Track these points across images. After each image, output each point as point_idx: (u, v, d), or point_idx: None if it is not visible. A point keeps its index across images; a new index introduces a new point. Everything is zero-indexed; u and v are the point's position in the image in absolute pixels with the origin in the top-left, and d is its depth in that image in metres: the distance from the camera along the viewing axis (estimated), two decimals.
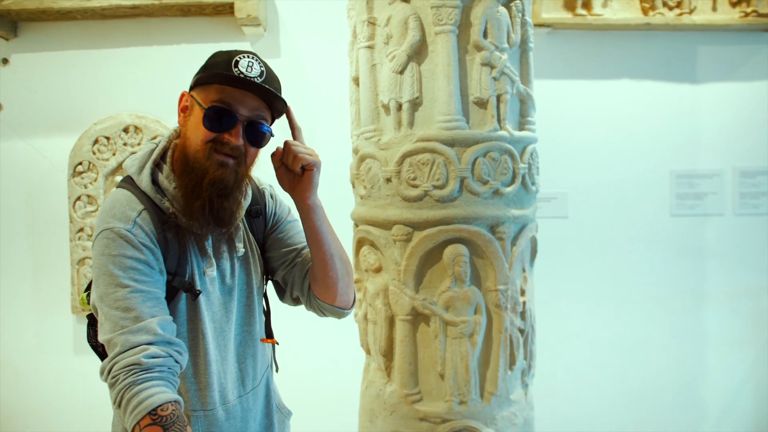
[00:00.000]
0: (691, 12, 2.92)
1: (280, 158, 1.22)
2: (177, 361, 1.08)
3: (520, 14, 1.86)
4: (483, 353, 1.86)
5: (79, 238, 2.93)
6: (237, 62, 1.14)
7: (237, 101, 1.14)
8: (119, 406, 1.02)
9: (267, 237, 1.39)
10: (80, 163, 2.93)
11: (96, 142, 2.92)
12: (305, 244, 1.35)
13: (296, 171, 1.20)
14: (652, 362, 3.06)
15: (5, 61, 2.96)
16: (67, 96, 2.95)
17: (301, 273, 1.36)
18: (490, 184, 1.78)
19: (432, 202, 1.78)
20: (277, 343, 1.44)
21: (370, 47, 1.89)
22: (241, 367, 1.31)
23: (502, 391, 1.86)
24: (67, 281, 2.95)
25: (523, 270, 1.94)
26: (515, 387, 1.92)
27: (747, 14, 2.92)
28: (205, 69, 1.19)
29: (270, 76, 1.18)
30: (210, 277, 1.23)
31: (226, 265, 1.26)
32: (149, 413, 0.98)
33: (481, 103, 1.79)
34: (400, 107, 1.81)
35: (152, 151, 1.23)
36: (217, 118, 1.14)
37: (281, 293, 1.45)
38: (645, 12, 2.92)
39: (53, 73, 2.95)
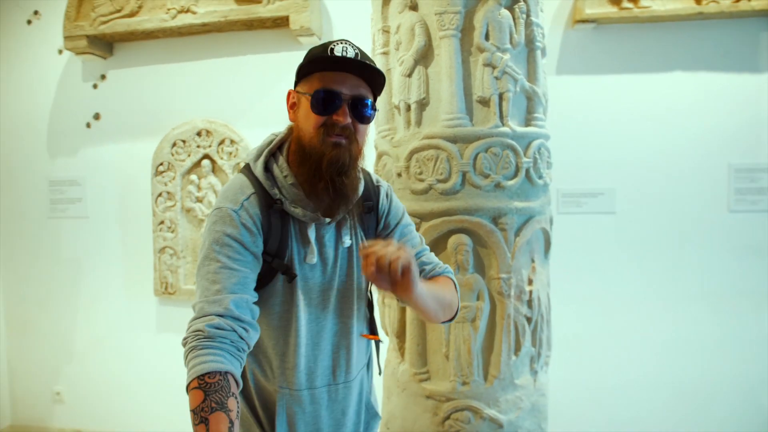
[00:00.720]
0: None
1: (374, 272, 1.14)
2: (242, 337, 1.14)
3: (524, 15, 1.96)
4: (486, 338, 1.98)
5: (160, 230, 3.37)
6: (332, 49, 1.21)
7: (338, 83, 1.21)
8: (185, 365, 1.11)
9: (378, 236, 1.41)
10: (161, 164, 3.36)
11: (174, 144, 3.34)
12: (416, 251, 1.41)
13: (398, 278, 1.13)
14: (706, 366, 2.96)
15: (103, 76, 3.47)
16: (151, 105, 3.40)
17: None
18: (492, 177, 1.91)
19: (436, 194, 1.93)
20: (380, 341, 1.47)
21: (385, 53, 2.08)
22: (334, 357, 1.34)
23: (506, 375, 1.97)
24: (150, 267, 3.40)
25: (532, 261, 2.04)
26: (522, 372, 2.02)
27: None
28: (305, 61, 1.26)
29: (364, 56, 1.24)
30: (310, 264, 1.29)
31: (330, 254, 1.31)
32: (198, 377, 1.05)
33: (484, 102, 1.92)
34: (409, 108, 1.99)
35: (270, 142, 1.33)
36: (323, 101, 1.21)
37: None
38: (698, 1, 2.86)
39: (140, 86, 3.41)
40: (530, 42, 2.00)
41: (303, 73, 1.26)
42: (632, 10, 2.88)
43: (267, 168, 1.29)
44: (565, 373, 3.04)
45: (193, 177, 3.35)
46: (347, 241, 1.33)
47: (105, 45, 3.39)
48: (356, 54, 1.22)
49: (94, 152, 3.48)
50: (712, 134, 2.94)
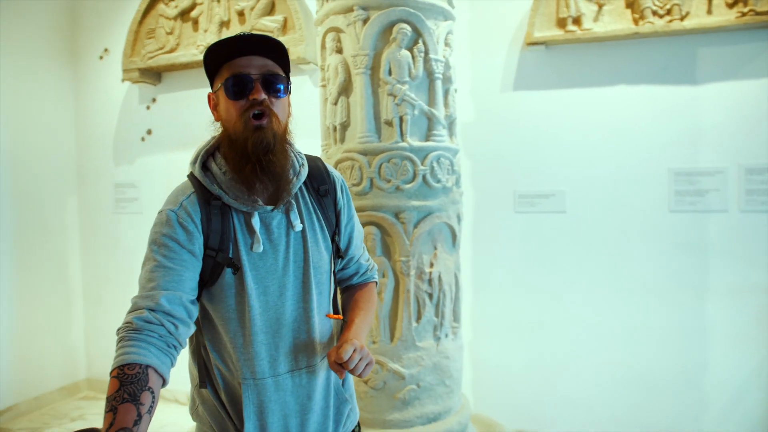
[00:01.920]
0: (682, 18, 3.14)
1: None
2: (170, 332, 1.19)
3: (422, 54, 2.52)
4: (392, 307, 2.56)
5: None
6: (231, 38, 1.29)
7: (245, 66, 1.28)
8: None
9: (343, 227, 1.49)
10: None
11: None
12: (357, 254, 1.57)
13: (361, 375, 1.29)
14: (650, 352, 3.31)
15: (154, 99, 4.36)
16: (190, 121, 4.24)
17: (341, 280, 1.59)
18: (393, 182, 2.49)
19: (354, 195, 2.54)
20: (342, 319, 1.50)
21: (324, 86, 2.71)
22: (296, 342, 1.37)
23: (408, 338, 2.54)
24: None
25: (435, 248, 2.59)
26: (425, 337, 2.58)
27: (744, 14, 3.04)
28: (208, 58, 1.32)
29: (264, 36, 1.30)
30: (258, 252, 1.32)
31: (281, 240, 1.35)
32: (118, 367, 1.10)
33: (389, 123, 2.51)
34: (335, 129, 2.61)
35: (206, 145, 1.39)
36: (236, 86, 1.27)
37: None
38: (636, 22, 3.23)
39: (182, 106, 4.26)
40: (431, 74, 2.56)
41: (212, 71, 1.34)
42: (576, 32, 3.30)
43: (206, 167, 1.35)
44: (526, 355, 3.51)
45: None
46: (298, 225, 1.37)
47: (154, 75, 4.28)
48: (253, 34, 1.30)
49: (148, 161, 4.38)
50: (653, 141, 3.29)
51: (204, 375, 1.39)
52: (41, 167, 4.34)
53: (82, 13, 4.52)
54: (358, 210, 2.53)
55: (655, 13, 3.18)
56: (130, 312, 1.21)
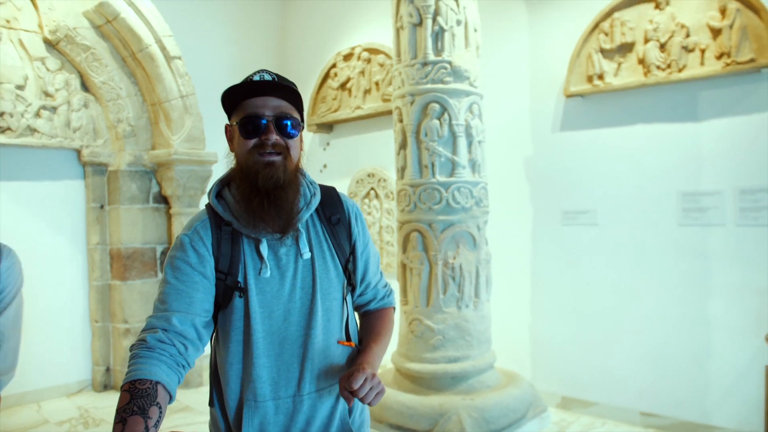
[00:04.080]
0: (680, 70, 4.08)
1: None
2: (180, 353, 1.32)
3: (447, 121, 4.02)
4: (427, 284, 4.10)
5: None
6: (251, 78, 1.42)
7: (260, 107, 1.40)
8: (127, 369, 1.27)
9: (358, 255, 1.58)
10: (351, 192, 6.14)
11: (357, 182, 6.09)
12: (374, 280, 1.67)
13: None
14: (663, 337, 4.23)
15: (328, 143, 6.45)
16: (349, 158, 6.21)
17: (359, 306, 1.69)
18: (427, 204, 4.05)
19: (405, 213, 4.15)
20: (354, 346, 1.56)
21: (395, 142, 4.38)
22: (299, 367, 1.45)
23: (436, 304, 4.05)
24: None
25: (458, 247, 4.06)
26: (449, 305, 4.06)
27: (728, 64, 3.89)
28: (227, 94, 1.43)
29: (281, 79, 1.43)
30: (265, 277, 1.43)
31: (289, 267, 1.45)
32: (130, 382, 1.21)
33: (426, 166, 4.07)
34: (398, 170, 4.26)
35: (220, 178, 1.52)
36: (250, 126, 1.40)
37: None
38: (645, 75, 4.24)
39: (345, 149, 6.26)
40: (454, 134, 4.05)
41: (231, 106, 1.46)
42: (600, 85, 4.43)
43: (221, 196, 1.48)
44: (570, 334, 4.68)
45: (366, 200, 6.04)
46: (306, 253, 1.46)
47: (327, 127, 6.36)
48: (273, 77, 1.40)
49: None
50: (664, 168, 4.24)
51: (213, 393, 1.50)
52: None
53: None
54: (408, 222, 4.13)
55: (658, 67, 4.18)
56: (144, 330, 1.32)
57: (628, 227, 4.41)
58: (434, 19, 4.02)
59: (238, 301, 1.42)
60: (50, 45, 4.93)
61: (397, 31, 4.23)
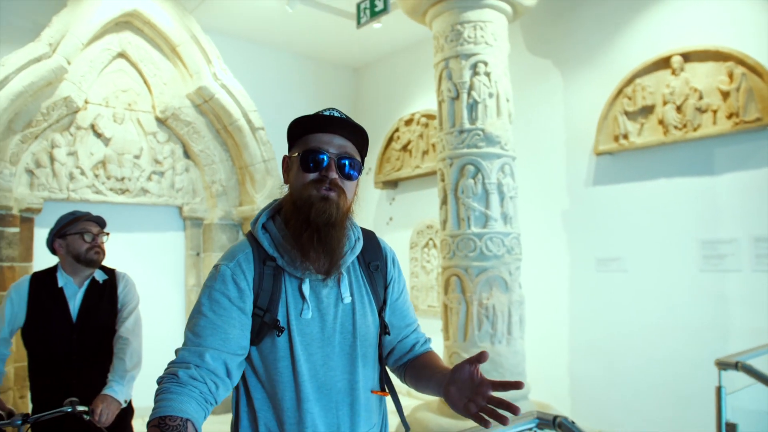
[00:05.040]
0: (695, 129, 4.56)
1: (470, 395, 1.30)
2: (210, 391, 1.31)
3: (480, 181, 4.71)
4: (465, 321, 4.71)
5: (410, 275, 6.85)
6: (320, 113, 1.43)
7: (325, 143, 1.42)
8: (154, 402, 1.25)
9: (393, 300, 1.59)
10: (413, 243, 6.87)
11: (418, 233, 6.81)
12: (412, 328, 1.65)
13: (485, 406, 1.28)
14: (686, 376, 4.58)
15: (393, 198, 7.27)
16: (411, 213, 6.97)
17: (402, 353, 1.63)
18: (464, 252, 4.71)
19: (446, 259, 4.83)
20: (386, 395, 1.56)
21: (439, 197, 5.10)
22: (340, 413, 1.43)
23: (472, 339, 4.65)
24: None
25: (491, 289, 4.67)
26: (483, 341, 4.64)
27: (737, 123, 4.35)
28: (295, 126, 1.46)
29: (350, 120, 1.44)
30: (306, 318, 1.41)
31: (329, 310, 1.44)
32: (159, 417, 1.20)
33: (462, 219, 4.75)
34: (441, 222, 4.96)
35: (269, 206, 1.52)
36: (311, 160, 1.40)
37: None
38: (664, 134, 4.75)
39: (407, 204, 7.04)
40: (486, 192, 4.72)
41: (294, 137, 1.48)
42: (624, 144, 4.97)
43: (265, 228, 1.46)
44: (598, 373, 5.09)
45: (425, 249, 6.74)
46: (347, 297, 1.47)
47: (392, 184, 7.18)
48: (343, 117, 1.43)
49: (389, 237, 7.24)
50: (686, 218, 4.67)
51: (240, 428, 1.46)
52: None
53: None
54: (448, 268, 4.80)
55: (675, 127, 4.69)
56: (175, 364, 1.33)
57: (653, 273, 4.84)
58: (469, 93, 4.78)
59: (280, 342, 1.40)
60: (160, 122, 6.12)
61: (440, 104, 5.02)
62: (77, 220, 2.76)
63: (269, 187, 6.26)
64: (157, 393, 1.27)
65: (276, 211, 1.50)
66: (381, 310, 1.56)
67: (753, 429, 2.78)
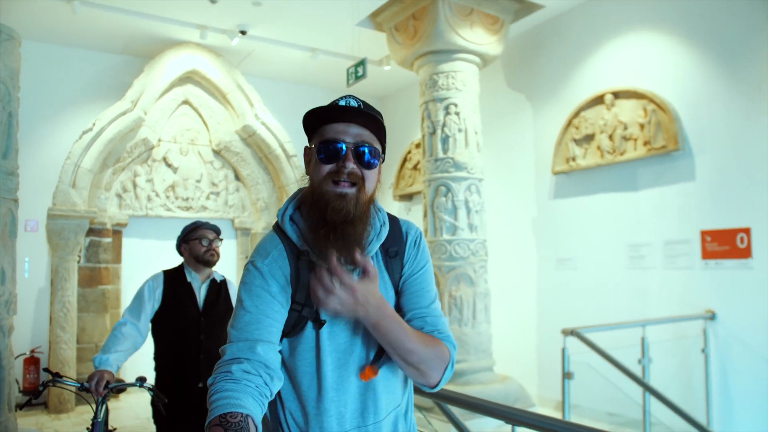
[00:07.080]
0: (621, 154, 5.77)
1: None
2: (266, 383, 1.31)
3: (450, 198, 6.11)
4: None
5: None
6: (336, 102, 1.42)
7: (341, 132, 1.40)
8: (208, 402, 1.26)
9: (403, 282, 1.52)
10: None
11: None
12: (427, 311, 1.51)
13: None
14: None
15: (409, 209, 8.74)
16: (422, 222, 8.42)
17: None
18: (438, 254, 6.14)
19: None
20: (374, 375, 1.49)
21: (423, 211, 6.56)
22: (363, 399, 1.45)
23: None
24: None
25: (459, 283, 6.06)
26: (452, 323, 6.04)
27: (650, 149, 5.54)
28: (311, 116, 1.44)
29: (367, 107, 1.42)
30: None
31: None
32: (220, 415, 1.20)
33: (436, 228, 6.18)
34: (424, 230, 6.42)
35: (294, 196, 1.51)
36: (328, 150, 1.40)
37: None
38: (601, 157, 5.98)
39: (421, 213, 8.50)
40: (455, 207, 6.12)
41: (312, 128, 1.47)
42: (573, 165, 6.23)
43: (293, 220, 1.47)
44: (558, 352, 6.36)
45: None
46: None
47: (407, 197, 8.64)
48: (359, 104, 1.41)
49: None
50: (616, 225, 5.88)
51: (276, 423, 1.50)
52: None
53: None
54: None
55: (608, 152, 5.92)
56: (226, 361, 1.33)
57: (594, 270, 6.08)
58: (442, 129, 6.22)
59: (308, 333, 1.42)
60: (216, 153, 7.90)
61: (423, 137, 6.48)
62: (197, 228, 3.25)
63: None
64: (212, 393, 1.27)
65: (302, 201, 1.49)
66: (399, 296, 1.53)
67: (583, 375, 4.07)
